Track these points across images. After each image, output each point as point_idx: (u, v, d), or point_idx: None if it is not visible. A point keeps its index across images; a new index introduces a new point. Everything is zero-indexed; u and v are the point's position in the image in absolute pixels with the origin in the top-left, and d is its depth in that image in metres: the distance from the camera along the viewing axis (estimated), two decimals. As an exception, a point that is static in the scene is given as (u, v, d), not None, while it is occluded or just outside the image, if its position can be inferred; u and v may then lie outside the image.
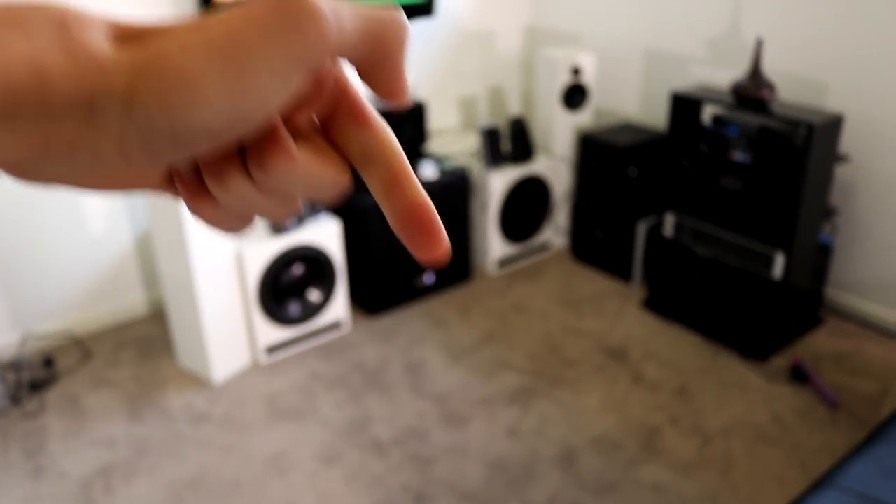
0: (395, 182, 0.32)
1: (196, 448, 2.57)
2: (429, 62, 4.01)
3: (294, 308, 3.03)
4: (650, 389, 2.83)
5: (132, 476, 2.45)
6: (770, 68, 3.29)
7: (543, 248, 3.92)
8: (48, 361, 2.98)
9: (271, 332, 3.00)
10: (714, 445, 2.54)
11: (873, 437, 1.93)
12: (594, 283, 3.62)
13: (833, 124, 2.70)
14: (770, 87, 2.80)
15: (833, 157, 2.82)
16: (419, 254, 0.32)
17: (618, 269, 3.63)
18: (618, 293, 3.52)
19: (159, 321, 3.30)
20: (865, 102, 3.03)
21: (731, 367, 2.96)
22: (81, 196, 3.07)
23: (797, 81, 3.22)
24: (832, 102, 3.12)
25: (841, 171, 3.16)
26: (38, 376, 2.91)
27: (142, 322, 3.31)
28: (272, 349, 3.03)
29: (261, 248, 2.84)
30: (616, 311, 3.37)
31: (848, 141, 3.12)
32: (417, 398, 2.80)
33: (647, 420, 2.67)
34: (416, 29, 3.89)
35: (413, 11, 3.63)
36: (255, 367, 2.98)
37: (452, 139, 4.04)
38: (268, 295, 2.92)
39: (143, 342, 3.16)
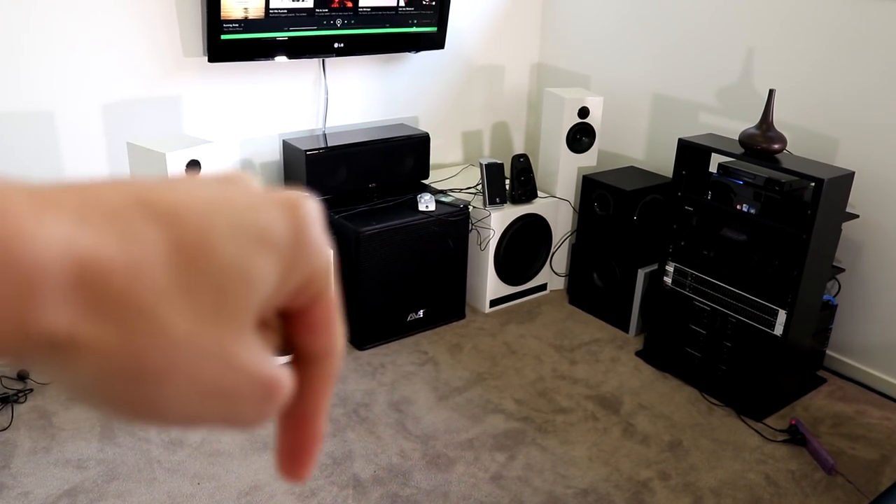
0: (312, 408, 0.32)
1: (168, 475, 2.47)
2: (435, 95, 3.97)
3: (280, 335, 2.95)
4: (641, 442, 2.74)
5: (99, 501, 2.35)
6: (781, 121, 3.24)
7: (540, 289, 3.84)
8: (22, 375, 2.88)
9: (255, 359, 2.91)
10: (705, 505, 2.45)
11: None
12: (590, 328, 3.54)
13: (843, 180, 2.64)
14: (780, 139, 2.75)
15: (841, 213, 2.75)
16: (283, 469, 0.33)
17: (615, 316, 3.55)
18: (613, 341, 3.43)
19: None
20: (876, 160, 2.97)
21: (727, 424, 2.86)
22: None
23: (808, 135, 3.17)
24: (842, 158, 3.07)
25: (848, 229, 3.10)
26: (10, 389, 2.82)
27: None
28: (255, 376, 2.93)
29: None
30: (611, 358, 3.28)
31: (856, 198, 3.05)
32: (401, 437, 2.70)
33: (636, 474, 2.57)
34: (425, 61, 3.85)
35: (423, 43, 3.59)
36: (235, 394, 2.89)
37: (454, 174, 3.98)
38: (254, 320, 2.83)
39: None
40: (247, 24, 3.01)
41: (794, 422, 2.80)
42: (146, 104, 3.05)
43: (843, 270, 3.11)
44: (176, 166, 2.43)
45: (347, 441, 2.66)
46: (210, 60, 2.99)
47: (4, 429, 2.64)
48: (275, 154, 3.49)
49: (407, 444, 2.66)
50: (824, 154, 3.12)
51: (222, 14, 2.92)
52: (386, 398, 2.92)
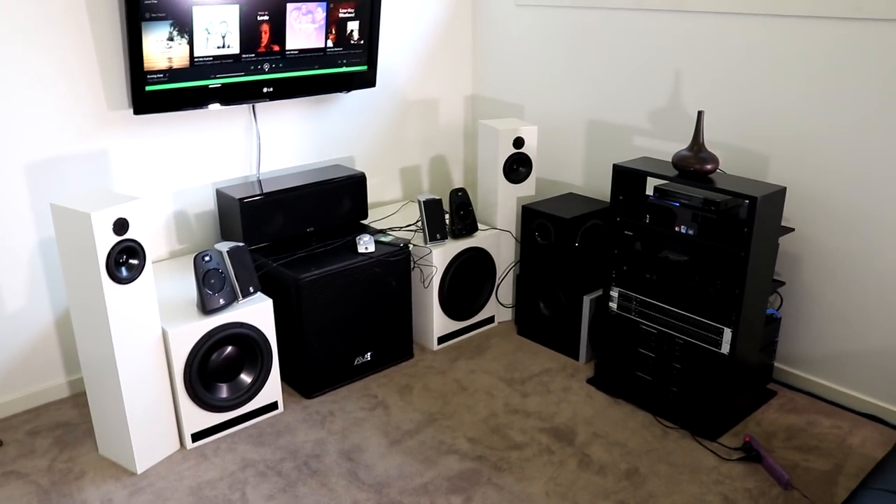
0: None
1: (112, 547, 2.37)
2: (370, 133, 3.94)
3: (224, 391, 2.87)
4: (598, 473, 2.71)
5: (38, 581, 2.24)
6: (712, 140, 3.28)
7: (488, 322, 3.81)
8: (-46, 452, 2.76)
9: (199, 417, 2.82)
10: (666, 532, 2.42)
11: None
12: (540, 358, 3.51)
13: (776, 196, 2.67)
14: (712, 159, 2.77)
15: (777, 228, 2.78)
16: None
17: (564, 344, 3.53)
18: (564, 369, 3.41)
19: (81, 405, 3.10)
20: (807, 174, 3.01)
21: (682, 447, 2.85)
22: (-3, 273, 2.90)
23: (739, 154, 3.20)
24: (774, 174, 3.11)
25: (785, 243, 3.13)
26: (-59, 469, 2.69)
27: (61, 406, 3.10)
28: (200, 435, 2.84)
29: (187, 328, 2.68)
30: (562, 388, 3.26)
31: (790, 212, 3.09)
32: (354, 487, 2.63)
33: (595, 506, 2.54)
34: (357, 100, 3.82)
35: (354, 82, 3.56)
36: (181, 455, 2.79)
37: (393, 211, 3.94)
38: (195, 378, 2.75)
39: (61, 428, 2.95)
40: (171, 74, 2.95)
41: (748, 439, 2.80)
42: (71, 161, 2.97)
43: (783, 283, 3.14)
44: (102, 226, 2.35)
45: (299, 496, 2.58)
46: (136, 113, 2.92)
47: (-65, 512, 2.51)
48: (209, 204, 3.42)
49: (360, 495, 2.59)
50: (756, 171, 3.16)
51: (145, 65, 2.86)
52: (337, 447, 2.85)
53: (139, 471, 2.70)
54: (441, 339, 3.60)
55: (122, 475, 2.68)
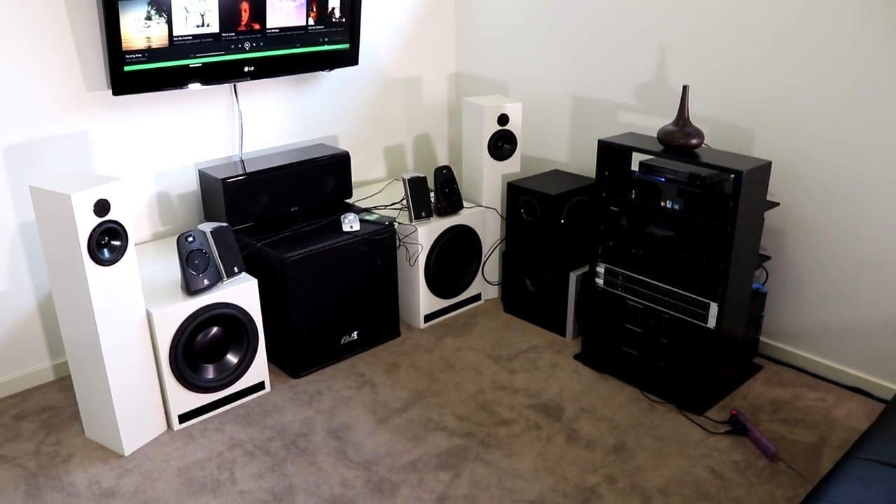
0: None
1: (100, 529, 2.36)
2: (353, 112, 3.91)
3: (210, 372, 2.85)
4: (586, 447, 2.72)
5: (26, 565, 2.23)
6: (697, 115, 3.27)
7: (474, 299, 3.81)
8: (-62, 438, 2.74)
9: (186, 398, 2.81)
10: (653, 506, 2.43)
11: (813, 495, 1.84)
12: (527, 335, 3.52)
13: (761, 170, 2.67)
14: (698, 133, 2.76)
15: (762, 203, 2.78)
16: None
17: (550, 321, 3.53)
18: (551, 346, 3.41)
19: (67, 388, 3.08)
20: (792, 148, 3.01)
21: (669, 421, 2.86)
22: (-22, 257, 2.86)
23: (724, 128, 3.20)
24: (759, 149, 3.11)
25: (770, 217, 3.14)
26: (-74, 455, 2.67)
27: (47, 390, 3.08)
28: (187, 416, 2.83)
29: (172, 308, 2.66)
30: (549, 364, 3.26)
31: (776, 187, 3.10)
32: (342, 465, 2.63)
33: (583, 481, 2.55)
34: (340, 78, 3.79)
35: (336, 60, 3.53)
36: (168, 436, 2.78)
37: (378, 190, 3.93)
38: (181, 359, 2.73)
39: (47, 412, 2.94)
40: (150, 54, 2.91)
41: (734, 412, 2.82)
42: (50, 144, 2.93)
43: (769, 258, 3.15)
44: (83, 208, 2.32)
45: (287, 475, 2.58)
46: (115, 94, 2.88)
47: (-80, 497, 2.49)
48: (192, 184, 3.39)
49: (349, 473, 2.59)
50: (741, 146, 3.15)
51: (123, 45, 2.82)
52: (324, 426, 2.84)
53: (126, 453, 2.69)
54: (427, 318, 3.60)
55: (110, 457, 2.67)
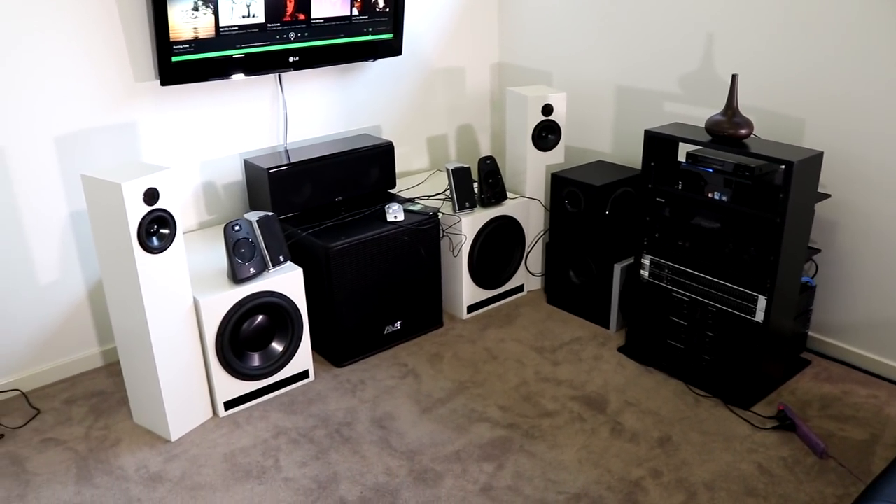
0: None
1: (148, 514, 2.40)
2: (396, 102, 3.91)
3: (255, 360, 2.88)
4: (630, 440, 2.70)
5: (77, 547, 2.27)
6: (746, 105, 3.22)
7: (517, 291, 3.79)
8: (-9, 421, 2.80)
9: (232, 386, 2.84)
10: (699, 500, 2.40)
11: (867, 494, 1.80)
12: (570, 327, 3.50)
13: (813, 161, 2.62)
14: (747, 123, 2.72)
15: (813, 194, 2.72)
16: None
17: (594, 312, 3.51)
18: (595, 338, 3.39)
19: (115, 374, 3.13)
20: (843, 137, 2.95)
21: (715, 415, 2.83)
22: (31, 243, 2.91)
23: (774, 118, 3.14)
24: (810, 138, 3.05)
25: (821, 209, 3.08)
26: (-20, 437, 2.73)
27: (96, 376, 3.13)
28: (233, 403, 2.86)
29: (219, 297, 2.69)
30: (593, 357, 3.24)
31: (827, 178, 3.04)
32: (386, 454, 2.64)
33: (628, 474, 2.53)
34: (384, 68, 3.79)
35: (380, 50, 3.53)
36: (214, 423, 2.82)
37: (421, 180, 3.92)
38: (227, 347, 2.76)
39: (96, 397, 2.99)
40: (198, 44, 2.94)
41: (781, 407, 2.77)
42: (100, 133, 2.97)
43: (819, 251, 3.09)
44: (133, 196, 2.35)
45: (331, 463, 2.59)
46: (163, 84, 2.91)
47: (-25, 479, 2.55)
48: (237, 174, 3.41)
49: (393, 462, 2.60)
50: (792, 135, 3.10)
51: (171, 36, 2.85)
52: (368, 415, 2.86)
53: (173, 438, 2.72)
54: (470, 308, 3.59)
55: (157, 442, 2.71)
